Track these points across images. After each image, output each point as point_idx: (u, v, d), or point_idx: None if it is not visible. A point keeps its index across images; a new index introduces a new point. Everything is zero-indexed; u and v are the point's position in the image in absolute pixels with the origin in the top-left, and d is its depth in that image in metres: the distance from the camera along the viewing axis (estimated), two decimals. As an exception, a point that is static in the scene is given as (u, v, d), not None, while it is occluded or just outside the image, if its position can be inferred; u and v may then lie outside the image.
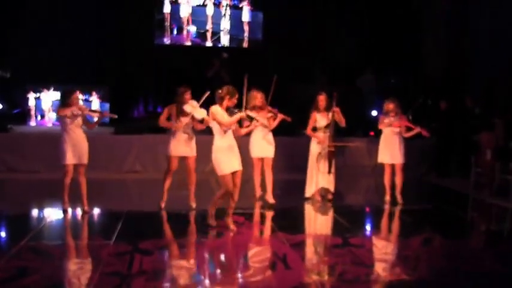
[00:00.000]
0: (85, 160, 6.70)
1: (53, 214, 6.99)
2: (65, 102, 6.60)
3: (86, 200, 6.79)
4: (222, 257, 5.39)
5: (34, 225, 6.41)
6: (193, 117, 6.73)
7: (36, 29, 12.58)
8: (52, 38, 12.68)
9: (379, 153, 7.79)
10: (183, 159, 7.01)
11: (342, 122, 7.46)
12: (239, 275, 4.81)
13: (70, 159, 6.57)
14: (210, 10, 13.39)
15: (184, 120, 6.81)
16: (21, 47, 12.58)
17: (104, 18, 12.99)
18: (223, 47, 13.28)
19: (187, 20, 13.38)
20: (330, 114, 7.43)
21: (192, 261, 5.20)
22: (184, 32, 13.41)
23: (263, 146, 7.41)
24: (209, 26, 13.44)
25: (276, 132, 10.72)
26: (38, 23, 12.62)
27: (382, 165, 7.84)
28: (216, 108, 5.84)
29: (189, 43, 13.47)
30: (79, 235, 6.06)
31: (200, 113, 6.60)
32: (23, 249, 5.18)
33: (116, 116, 7.24)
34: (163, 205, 7.01)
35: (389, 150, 7.63)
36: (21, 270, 4.58)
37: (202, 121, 6.60)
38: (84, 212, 6.76)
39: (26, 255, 5.01)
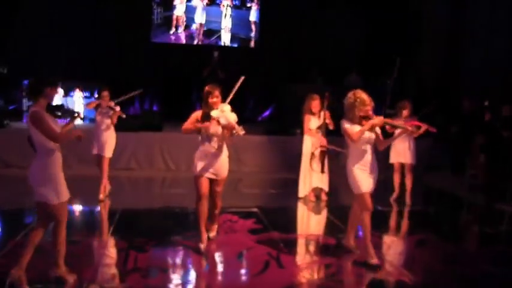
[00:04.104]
0: (105, 152, 7.22)
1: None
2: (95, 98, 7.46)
3: (102, 188, 7.30)
4: (216, 255, 5.41)
5: (30, 221, 6.42)
6: (220, 124, 5.09)
7: (33, 25, 12.57)
8: (50, 34, 12.68)
9: (390, 154, 7.85)
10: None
11: (331, 125, 7.47)
12: (233, 274, 4.85)
13: (93, 149, 7.28)
14: (198, 17, 13.42)
15: (213, 128, 5.14)
16: (18, 43, 12.57)
17: (102, 15, 12.99)
18: (224, 46, 13.32)
19: (182, 19, 13.43)
20: (322, 115, 7.47)
21: (185, 259, 5.22)
22: (181, 30, 13.48)
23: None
24: (197, 27, 13.51)
25: (269, 131, 10.76)
26: (36, 19, 12.61)
27: (392, 166, 7.92)
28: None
29: (184, 41, 13.53)
30: (74, 231, 6.07)
31: (226, 118, 5.03)
32: (19, 245, 5.20)
33: (124, 116, 7.50)
34: (202, 246, 5.32)
35: (401, 150, 7.73)
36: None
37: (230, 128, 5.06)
38: (99, 201, 7.20)
39: (22, 250, 5.02)
